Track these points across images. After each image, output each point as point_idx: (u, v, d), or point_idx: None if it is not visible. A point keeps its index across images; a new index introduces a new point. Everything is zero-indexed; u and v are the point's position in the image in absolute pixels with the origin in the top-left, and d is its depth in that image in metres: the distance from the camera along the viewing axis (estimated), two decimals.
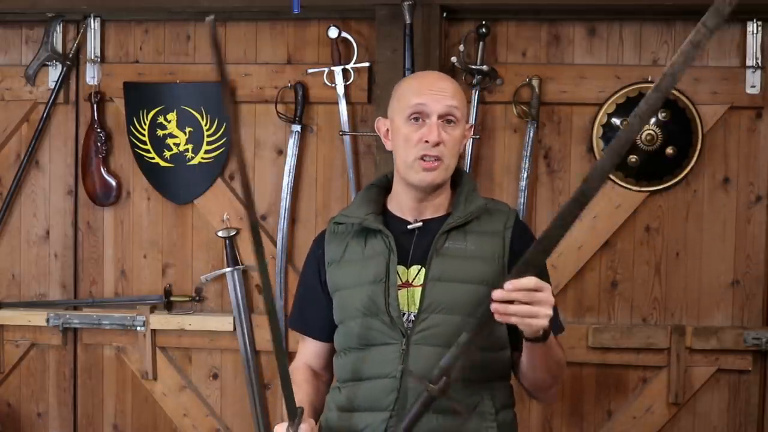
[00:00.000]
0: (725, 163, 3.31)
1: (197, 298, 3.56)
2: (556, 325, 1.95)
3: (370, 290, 1.99)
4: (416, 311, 1.97)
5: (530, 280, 1.71)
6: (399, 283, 1.99)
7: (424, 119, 1.99)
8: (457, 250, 1.99)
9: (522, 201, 3.31)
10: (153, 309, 3.55)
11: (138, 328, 3.53)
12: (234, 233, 3.49)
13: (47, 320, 3.55)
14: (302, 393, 2.03)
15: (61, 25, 3.54)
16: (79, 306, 3.62)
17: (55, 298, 3.64)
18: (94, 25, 3.53)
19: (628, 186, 3.30)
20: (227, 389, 3.58)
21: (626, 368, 3.36)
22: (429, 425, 1.90)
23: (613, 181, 3.30)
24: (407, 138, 1.99)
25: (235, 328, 3.48)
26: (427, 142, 1.96)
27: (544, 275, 1.90)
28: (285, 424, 1.85)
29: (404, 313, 1.98)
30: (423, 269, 1.99)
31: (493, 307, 1.72)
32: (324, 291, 2.10)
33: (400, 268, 2.01)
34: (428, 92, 1.99)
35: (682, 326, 3.30)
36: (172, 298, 3.55)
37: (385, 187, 2.15)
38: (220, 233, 3.49)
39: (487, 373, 1.92)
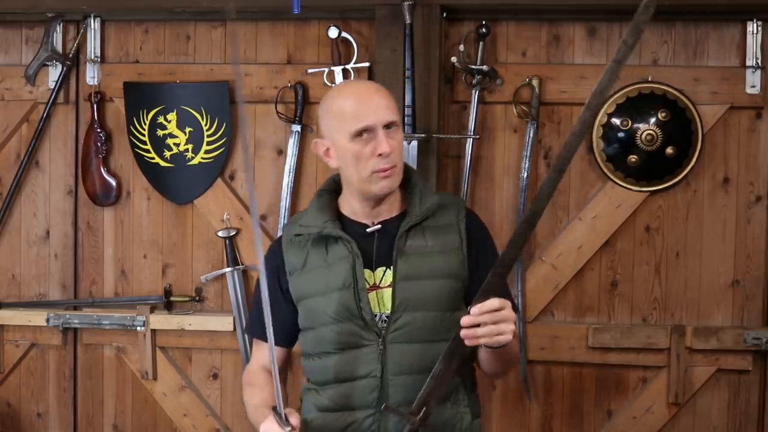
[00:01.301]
0: (725, 163, 3.31)
1: (197, 298, 3.56)
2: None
3: (339, 296, 2.04)
4: (388, 311, 2.04)
5: (494, 302, 1.82)
6: (367, 286, 2.05)
7: (369, 133, 2.02)
8: (418, 247, 2.06)
9: (522, 201, 3.31)
10: (153, 309, 3.55)
11: (138, 328, 3.53)
12: (234, 233, 3.49)
13: (47, 320, 3.55)
14: (266, 394, 2.08)
15: (61, 25, 3.54)
16: (79, 306, 3.62)
17: (55, 298, 3.64)
18: (94, 25, 3.53)
19: (628, 186, 3.30)
20: (227, 389, 3.58)
21: (626, 368, 3.36)
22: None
23: (614, 181, 3.30)
24: (358, 155, 2.02)
25: (235, 328, 3.48)
26: (380, 155, 2.01)
27: (504, 291, 2.00)
28: (273, 422, 1.88)
29: (376, 315, 2.04)
30: (388, 270, 2.06)
31: (463, 333, 1.83)
32: (286, 299, 2.14)
33: (366, 272, 2.06)
34: (367, 110, 2.02)
35: (682, 326, 3.30)
36: (172, 298, 3.55)
37: (335, 190, 2.19)
38: (220, 233, 3.49)
39: (466, 356, 2.00)
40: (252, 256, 3.50)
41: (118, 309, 3.57)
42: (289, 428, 1.86)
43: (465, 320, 1.83)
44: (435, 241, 2.07)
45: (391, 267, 2.05)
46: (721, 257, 3.32)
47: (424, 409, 1.90)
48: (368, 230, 2.09)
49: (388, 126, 2.03)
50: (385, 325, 2.03)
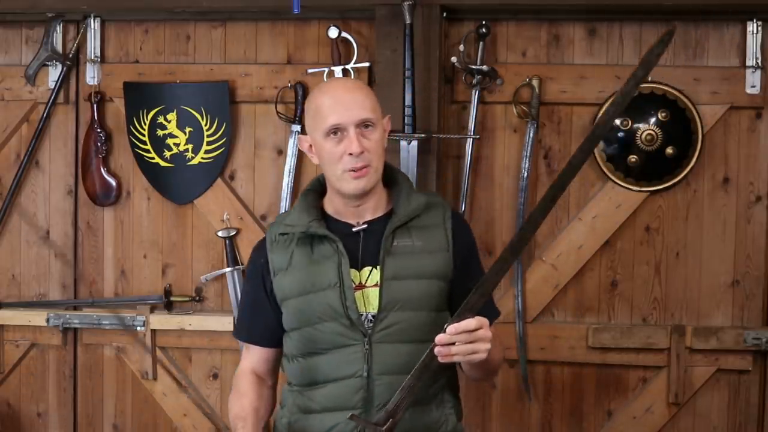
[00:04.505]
0: (725, 163, 3.31)
1: (197, 298, 3.56)
2: (491, 312, 2.10)
3: (324, 295, 2.03)
4: (374, 311, 2.02)
5: (470, 322, 1.85)
6: (353, 285, 2.04)
7: (342, 132, 2.01)
8: (405, 247, 2.05)
9: (522, 201, 3.31)
10: (153, 309, 3.55)
11: (138, 328, 3.53)
12: (234, 233, 3.49)
13: (47, 320, 3.55)
14: (246, 400, 2.13)
15: (61, 25, 3.54)
16: (79, 306, 3.62)
17: (55, 298, 3.64)
18: (94, 25, 3.53)
19: (628, 186, 3.30)
20: (227, 389, 3.55)
21: (626, 368, 3.36)
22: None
23: (614, 181, 3.30)
24: (331, 154, 2.03)
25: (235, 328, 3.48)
26: (351, 154, 2.00)
27: (489, 305, 2.07)
28: None
29: (362, 314, 2.03)
30: (374, 270, 2.05)
31: (437, 350, 1.86)
32: (270, 300, 2.13)
33: (352, 272, 2.05)
34: (340, 107, 2.02)
35: (682, 326, 3.30)
36: (172, 298, 3.55)
37: (319, 191, 2.17)
38: (220, 233, 3.49)
39: (445, 365, 1.98)
40: None
41: (118, 309, 3.57)
42: None
43: (440, 338, 1.85)
44: (422, 242, 2.06)
45: (378, 267, 2.03)
46: (721, 257, 3.32)
47: (390, 420, 1.92)
48: (354, 230, 2.08)
49: (363, 125, 2.02)
50: (371, 324, 2.02)
